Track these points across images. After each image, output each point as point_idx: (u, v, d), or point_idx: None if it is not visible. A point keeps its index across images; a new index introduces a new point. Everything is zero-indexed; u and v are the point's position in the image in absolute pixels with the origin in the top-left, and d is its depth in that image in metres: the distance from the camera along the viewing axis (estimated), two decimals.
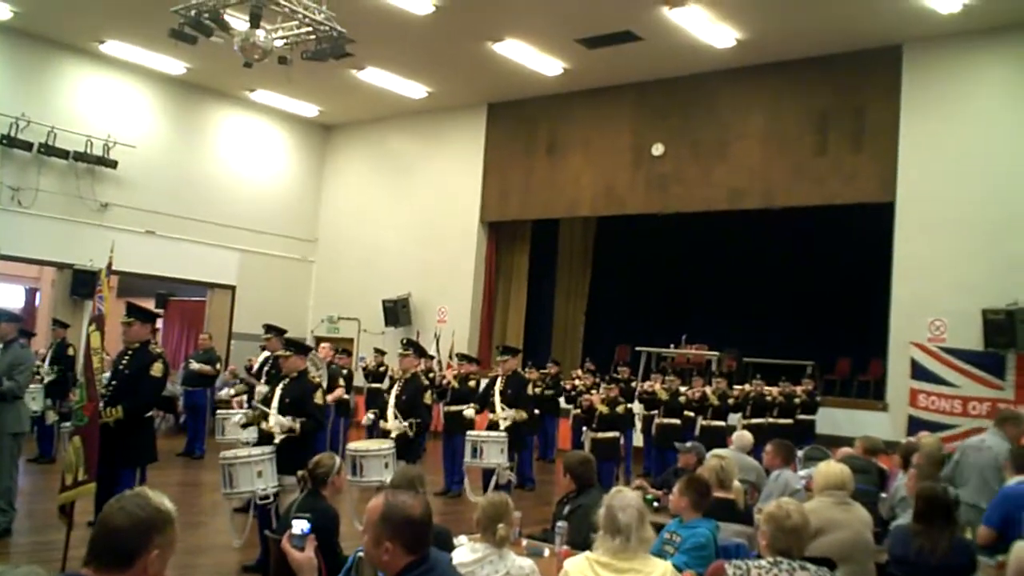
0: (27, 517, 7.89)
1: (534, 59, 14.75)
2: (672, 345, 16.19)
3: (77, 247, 15.01)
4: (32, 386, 9.68)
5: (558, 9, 12.74)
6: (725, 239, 16.34)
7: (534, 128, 16.99)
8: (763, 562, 3.59)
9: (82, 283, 14.95)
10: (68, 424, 8.21)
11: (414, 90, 16.88)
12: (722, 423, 12.26)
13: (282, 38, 10.93)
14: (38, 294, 18.99)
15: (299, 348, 7.66)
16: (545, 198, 16.79)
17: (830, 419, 13.17)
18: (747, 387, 12.90)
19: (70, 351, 11.42)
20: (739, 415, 12.85)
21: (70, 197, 15.66)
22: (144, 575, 2.34)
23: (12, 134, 14.73)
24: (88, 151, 15.72)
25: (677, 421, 12.10)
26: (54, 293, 16.22)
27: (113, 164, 16.01)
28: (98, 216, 15.86)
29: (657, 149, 15.35)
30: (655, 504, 6.61)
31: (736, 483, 5.85)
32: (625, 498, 3.76)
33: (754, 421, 12.30)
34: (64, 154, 15.37)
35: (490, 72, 15.47)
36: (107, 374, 7.08)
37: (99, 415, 6.44)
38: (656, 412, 12.43)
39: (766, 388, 12.84)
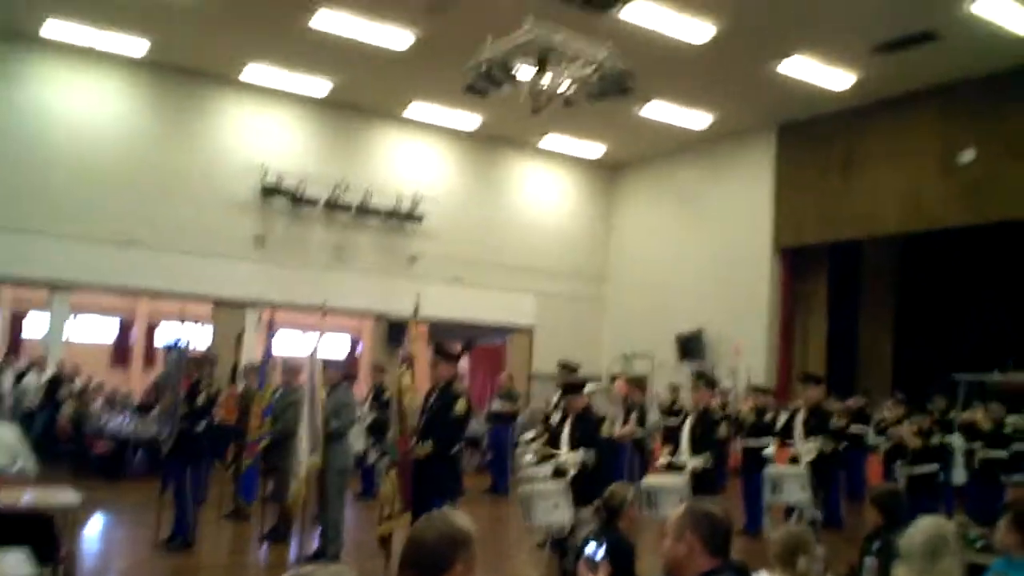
0: (354, 548, 8.57)
1: (821, 74, 14.22)
2: (996, 370, 14.67)
3: (391, 298, 16.21)
4: (355, 428, 10.58)
5: (846, 18, 12.24)
6: None
7: (827, 146, 16.24)
8: None
9: (396, 331, 16.19)
10: (386, 459, 8.87)
11: (697, 120, 16.81)
12: None
13: (568, 80, 11.27)
14: (360, 343, 20.79)
15: (572, 389, 7.83)
16: (843, 219, 15.93)
17: None
18: None
19: (386, 395, 12.33)
20: None
21: (383, 252, 17.16)
22: None
23: (334, 198, 16.42)
24: (398, 208, 17.16)
25: (1003, 453, 10.89)
26: (372, 341, 17.72)
27: (419, 219, 17.35)
28: (408, 267, 17.22)
29: (968, 155, 14.08)
30: (979, 543, 6.00)
31: None
32: (922, 522, 3.46)
33: None
34: (377, 213, 16.92)
35: (774, 93, 15.09)
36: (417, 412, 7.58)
37: (411, 450, 6.94)
38: (978, 445, 11.29)
39: None
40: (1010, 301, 15.50)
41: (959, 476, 12.04)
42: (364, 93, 16.30)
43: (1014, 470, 10.25)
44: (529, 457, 8.84)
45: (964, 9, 11.63)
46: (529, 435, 10.09)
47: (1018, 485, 6.62)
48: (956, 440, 11.74)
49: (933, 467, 9.98)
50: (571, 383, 7.86)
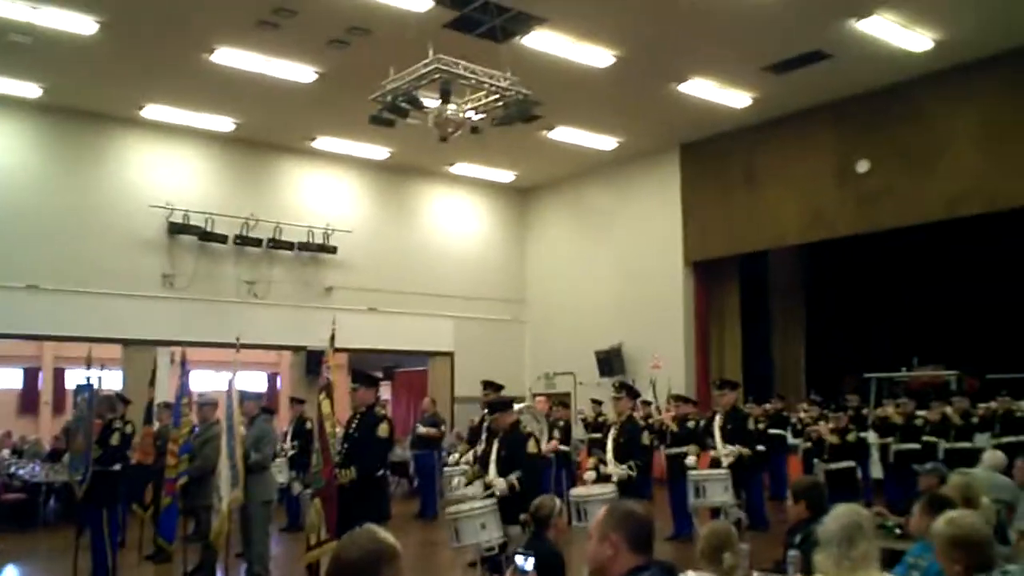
0: None
1: (721, 94, 14.61)
2: (904, 369, 15.24)
3: (307, 330, 16.00)
4: (277, 460, 10.42)
5: (739, 41, 12.60)
6: (948, 250, 15.30)
7: (729, 163, 16.72)
8: None
9: (314, 363, 15.96)
10: (310, 490, 8.75)
11: (604, 143, 17.12)
12: (968, 444, 11.37)
13: (472, 109, 11.41)
14: (278, 378, 20.48)
15: (501, 406, 7.80)
16: (749, 231, 16.42)
17: None
18: (993, 404, 11.93)
19: (308, 425, 12.18)
20: (987, 435, 11.86)
21: (298, 285, 16.97)
22: None
23: (244, 233, 16.19)
24: (310, 240, 16.99)
25: (916, 446, 11.34)
26: (291, 375, 17.50)
27: (333, 250, 17.23)
28: (324, 299, 17.05)
29: (862, 166, 14.70)
30: (897, 531, 6.21)
31: (985, 500, 5.41)
32: (837, 509, 3.57)
33: (1005, 440, 11.32)
34: (289, 246, 16.72)
35: (677, 113, 15.45)
36: (339, 438, 7.51)
37: (335, 477, 6.87)
38: (892, 439, 11.70)
39: (1016, 404, 11.81)
40: (910, 302, 16.15)
41: (876, 469, 12.46)
42: (269, 128, 16.15)
43: (926, 460, 10.64)
44: (457, 481, 8.81)
45: (852, 28, 12.11)
46: (455, 456, 10.09)
47: (929, 474, 6.84)
48: (871, 436, 12.14)
49: (850, 463, 10.32)
50: (499, 401, 7.86)
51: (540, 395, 12.89)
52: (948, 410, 11.57)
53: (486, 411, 10.16)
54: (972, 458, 10.39)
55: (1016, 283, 14.70)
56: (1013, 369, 14.13)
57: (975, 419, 11.65)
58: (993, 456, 7.67)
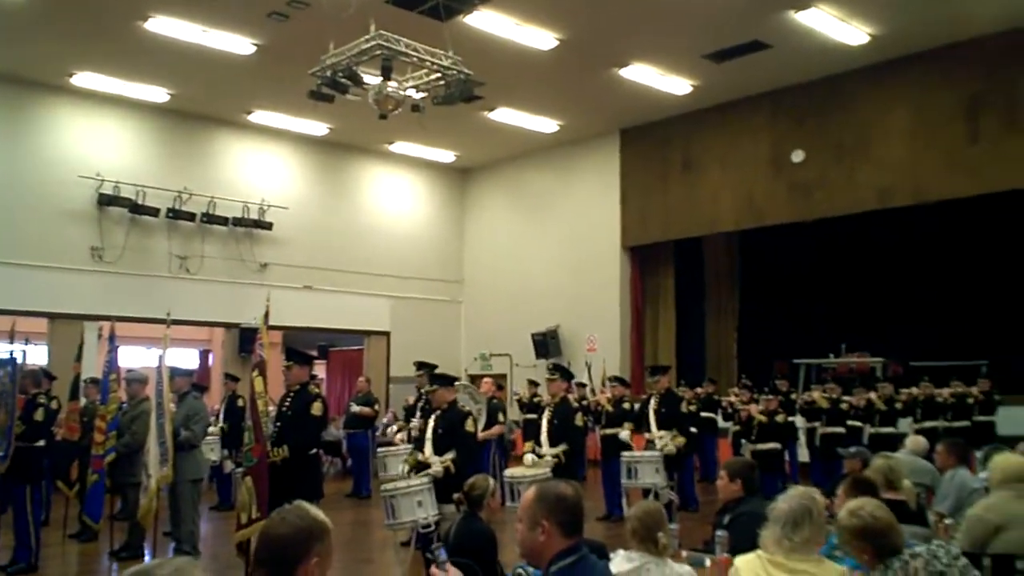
0: (211, 559, 8.34)
1: (661, 80, 14.71)
2: (832, 355, 15.61)
3: (241, 307, 15.86)
4: (209, 438, 10.27)
5: (681, 28, 12.70)
6: (877, 241, 15.68)
7: (668, 149, 16.89)
8: (875, 573, 3.36)
9: (248, 340, 15.74)
10: (241, 468, 8.66)
11: (545, 125, 17.12)
12: (892, 429, 11.72)
13: (413, 87, 11.30)
14: (211, 355, 20.14)
15: (444, 380, 7.80)
16: (685, 217, 16.63)
17: (1011, 418, 12.34)
18: (915, 390, 12.30)
19: (240, 403, 12.03)
20: (910, 420, 12.23)
21: (232, 261, 16.67)
22: None
23: (177, 207, 15.85)
24: (245, 216, 16.71)
25: (841, 430, 11.65)
26: (224, 352, 17.20)
27: (269, 226, 16.95)
28: (259, 276, 16.80)
29: (797, 156, 14.98)
30: (825, 513, 6.34)
31: (906, 483, 5.57)
32: (797, 491, 3.62)
33: (927, 425, 11.72)
34: (224, 221, 16.41)
35: (618, 98, 15.53)
36: (272, 416, 7.43)
37: (267, 455, 6.80)
38: (818, 423, 12.00)
39: (936, 390, 12.20)
40: (841, 291, 16.51)
41: (803, 453, 12.77)
42: (205, 100, 15.79)
43: (851, 444, 10.93)
44: (402, 469, 8.75)
45: (791, 20, 12.27)
46: (393, 428, 10.09)
47: (853, 457, 7.02)
48: (798, 420, 12.42)
49: (777, 445, 10.55)
50: (443, 375, 7.86)
51: (486, 377, 12.91)
52: (872, 395, 11.90)
53: (422, 391, 10.21)
54: (895, 442, 10.71)
55: (941, 274, 15.13)
56: (936, 357, 14.60)
57: (898, 404, 12.00)
58: (915, 441, 7.88)
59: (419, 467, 7.30)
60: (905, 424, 12.26)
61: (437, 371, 8.38)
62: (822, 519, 3.57)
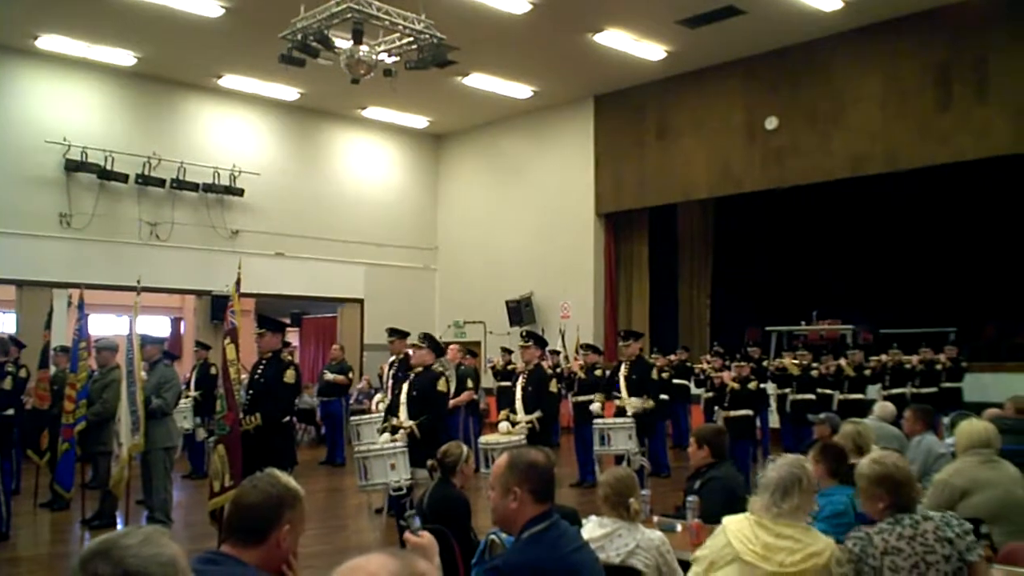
0: (184, 527, 8.32)
1: (636, 46, 14.64)
2: (803, 322, 15.75)
3: (213, 274, 15.72)
4: (180, 405, 10.21)
5: None
6: (850, 209, 15.76)
7: (642, 115, 16.85)
8: (882, 524, 3.40)
9: (220, 308, 15.62)
10: (214, 436, 8.63)
11: (519, 91, 17.01)
12: (861, 395, 11.88)
13: (385, 51, 11.18)
14: (182, 323, 19.98)
15: (432, 343, 7.80)
16: (659, 184, 16.63)
17: (978, 385, 12.51)
18: (884, 357, 12.44)
19: (212, 371, 11.97)
20: (878, 387, 12.39)
21: (203, 227, 16.48)
22: (277, 549, 2.44)
23: (146, 172, 15.62)
24: (216, 182, 16.51)
25: (812, 396, 11.79)
26: (196, 320, 17.08)
27: (240, 192, 16.76)
28: (230, 243, 16.64)
29: (771, 123, 15.00)
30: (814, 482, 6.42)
31: (875, 449, 5.64)
32: (787, 460, 3.64)
33: (895, 391, 11.87)
34: (194, 187, 16.19)
35: (593, 64, 15.44)
36: (244, 384, 7.40)
37: (239, 423, 6.78)
38: (789, 389, 12.13)
39: (904, 357, 12.35)
40: (813, 257, 16.62)
41: (774, 419, 12.91)
42: (173, 64, 15.51)
43: (820, 411, 11.06)
44: (384, 439, 8.75)
45: None
46: (376, 396, 10.09)
47: (822, 423, 7.10)
48: (770, 387, 12.55)
49: (749, 412, 10.64)
50: (432, 336, 7.89)
51: (451, 343, 12.88)
52: (842, 362, 12.03)
53: (392, 357, 10.20)
54: (864, 409, 10.86)
55: (912, 242, 15.26)
56: (906, 324, 14.77)
57: (867, 371, 12.15)
58: (883, 407, 7.97)
59: (394, 431, 7.31)
60: (874, 391, 12.43)
61: (427, 332, 8.41)
62: (812, 488, 3.60)
